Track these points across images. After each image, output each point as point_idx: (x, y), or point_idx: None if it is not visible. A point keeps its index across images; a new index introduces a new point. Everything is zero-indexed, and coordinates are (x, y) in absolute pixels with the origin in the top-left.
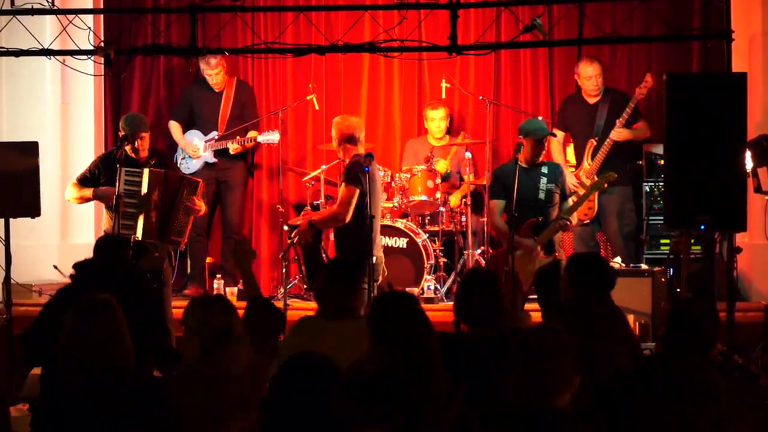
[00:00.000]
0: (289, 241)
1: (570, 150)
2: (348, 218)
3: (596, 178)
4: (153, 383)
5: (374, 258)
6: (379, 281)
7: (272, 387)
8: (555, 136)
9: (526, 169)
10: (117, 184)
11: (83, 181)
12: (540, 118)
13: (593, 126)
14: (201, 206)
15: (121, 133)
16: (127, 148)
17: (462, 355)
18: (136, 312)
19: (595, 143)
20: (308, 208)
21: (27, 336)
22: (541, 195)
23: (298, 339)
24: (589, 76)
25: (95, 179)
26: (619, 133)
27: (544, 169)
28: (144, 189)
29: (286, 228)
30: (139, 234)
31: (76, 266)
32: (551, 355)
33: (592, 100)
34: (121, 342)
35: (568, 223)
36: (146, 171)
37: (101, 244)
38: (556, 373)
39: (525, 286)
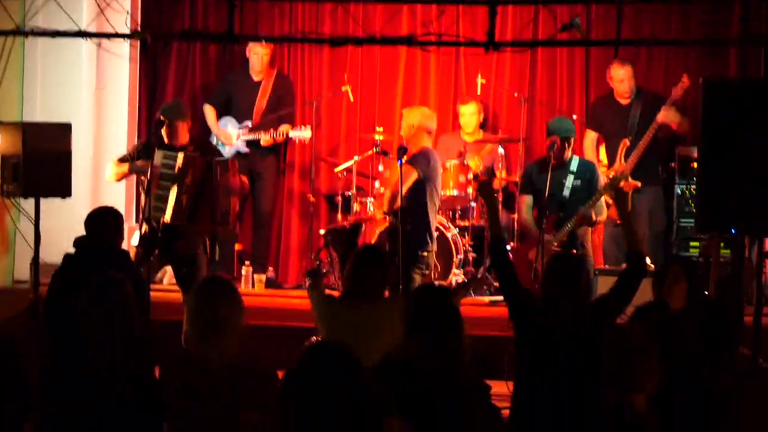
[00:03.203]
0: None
1: (602, 150)
2: (399, 200)
3: (611, 177)
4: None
5: (429, 250)
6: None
7: (289, 377)
8: (569, 138)
9: (554, 166)
10: (151, 164)
11: (123, 160)
12: (574, 117)
13: (626, 126)
14: (239, 182)
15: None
16: (163, 133)
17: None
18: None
19: (628, 143)
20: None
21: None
22: (566, 192)
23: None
24: (621, 78)
25: (134, 161)
26: (666, 113)
27: (573, 167)
28: (177, 170)
29: (322, 232)
30: (167, 216)
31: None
32: (635, 354)
33: (624, 101)
34: (131, 320)
35: (588, 215)
36: (181, 154)
37: (90, 220)
38: (638, 371)
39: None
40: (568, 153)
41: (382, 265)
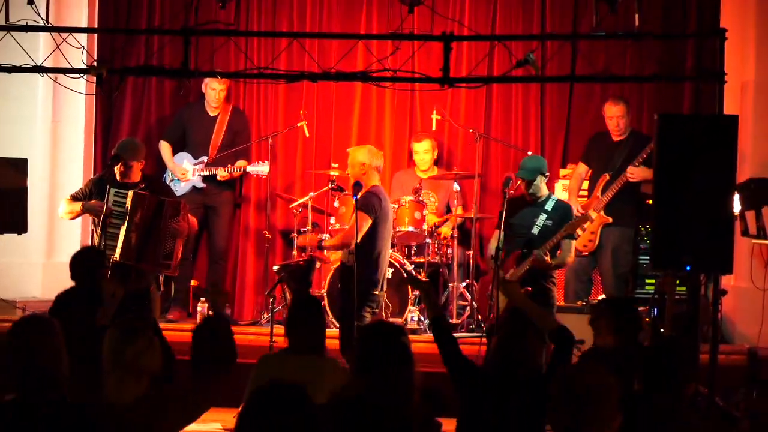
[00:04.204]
0: (278, 279)
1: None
2: (354, 244)
3: (568, 223)
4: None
5: (379, 290)
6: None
7: (243, 415)
8: (523, 178)
9: (529, 203)
10: (105, 202)
11: (76, 198)
12: (529, 153)
13: (611, 162)
14: (186, 226)
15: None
16: (116, 170)
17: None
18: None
19: (608, 178)
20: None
21: None
22: (535, 230)
23: (260, 375)
24: (611, 116)
25: (87, 199)
26: (632, 172)
27: (548, 206)
28: (126, 208)
29: (275, 268)
30: (117, 254)
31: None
32: (596, 395)
33: (617, 138)
34: (53, 362)
35: (544, 255)
36: (131, 192)
37: (77, 261)
38: (599, 413)
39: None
40: (543, 191)
41: (320, 318)
